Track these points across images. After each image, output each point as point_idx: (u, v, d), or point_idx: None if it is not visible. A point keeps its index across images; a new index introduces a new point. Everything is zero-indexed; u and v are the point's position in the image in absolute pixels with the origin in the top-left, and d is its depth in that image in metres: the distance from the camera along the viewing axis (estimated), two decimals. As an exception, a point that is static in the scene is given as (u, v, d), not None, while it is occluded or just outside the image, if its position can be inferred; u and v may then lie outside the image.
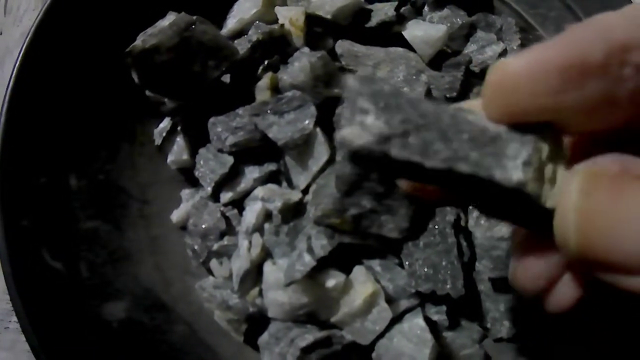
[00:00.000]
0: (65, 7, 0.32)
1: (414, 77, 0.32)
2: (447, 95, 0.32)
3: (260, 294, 0.30)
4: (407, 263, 0.29)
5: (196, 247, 0.31)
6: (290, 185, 0.31)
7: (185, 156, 0.33)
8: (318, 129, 0.30)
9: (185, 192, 0.33)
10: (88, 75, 0.32)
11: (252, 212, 0.30)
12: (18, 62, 0.31)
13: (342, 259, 0.30)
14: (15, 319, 0.36)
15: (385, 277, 0.30)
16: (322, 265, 0.29)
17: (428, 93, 0.31)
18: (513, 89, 0.14)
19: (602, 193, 0.13)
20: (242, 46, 0.33)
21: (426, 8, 0.36)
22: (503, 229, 0.29)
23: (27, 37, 0.32)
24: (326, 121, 0.31)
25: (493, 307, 0.30)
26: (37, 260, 0.28)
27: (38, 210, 0.29)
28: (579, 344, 0.27)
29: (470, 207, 0.30)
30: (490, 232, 0.29)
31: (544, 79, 0.14)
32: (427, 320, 0.29)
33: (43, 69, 0.31)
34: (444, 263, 0.29)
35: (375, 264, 0.30)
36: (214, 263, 0.31)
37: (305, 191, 0.31)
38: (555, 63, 0.13)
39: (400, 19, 0.35)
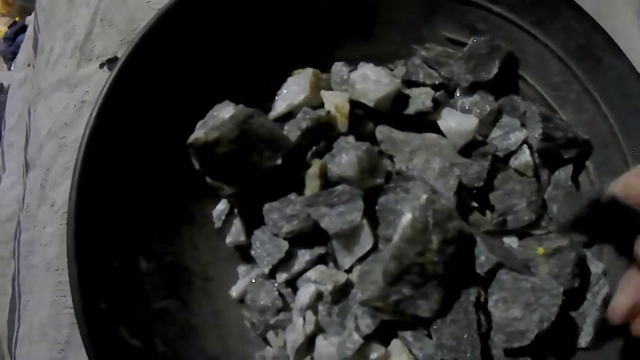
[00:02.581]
0: (124, 93, 0.34)
1: (448, 170, 0.35)
2: (475, 185, 0.36)
3: (313, 362, 0.35)
4: (436, 337, 0.35)
5: (254, 320, 0.35)
6: (336, 264, 0.35)
7: (242, 237, 0.36)
8: (365, 221, 0.34)
9: (242, 269, 0.36)
10: (150, 160, 0.34)
11: (305, 293, 0.34)
12: (83, 148, 0.33)
13: (380, 331, 0.35)
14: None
15: (416, 346, 0.35)
16: (366, 339, 0.34)
17: (459, 184, 0.35)
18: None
19: None
20: (291, 132, 0.35)
21: (457, 92, 0.39)
22: (517, 312, 0.35)
23: (88, 122, 0.33)
24: (371, 211, 0.35)
25: (504, 370, 0.36)
26: (117, 340, 0.32)
27: (114, 293, 0.32)
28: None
29: (490, 291, 0.35)
30: (505, 313, 0.35)
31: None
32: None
33: (107, 156, 0.33)
34: (465, 335, 0.35)
35: (408, 334, 0.35)
36: (270, 334, 0.35)
37: (348, 270, 0.35)
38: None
39: (436, 105, 0.37)
